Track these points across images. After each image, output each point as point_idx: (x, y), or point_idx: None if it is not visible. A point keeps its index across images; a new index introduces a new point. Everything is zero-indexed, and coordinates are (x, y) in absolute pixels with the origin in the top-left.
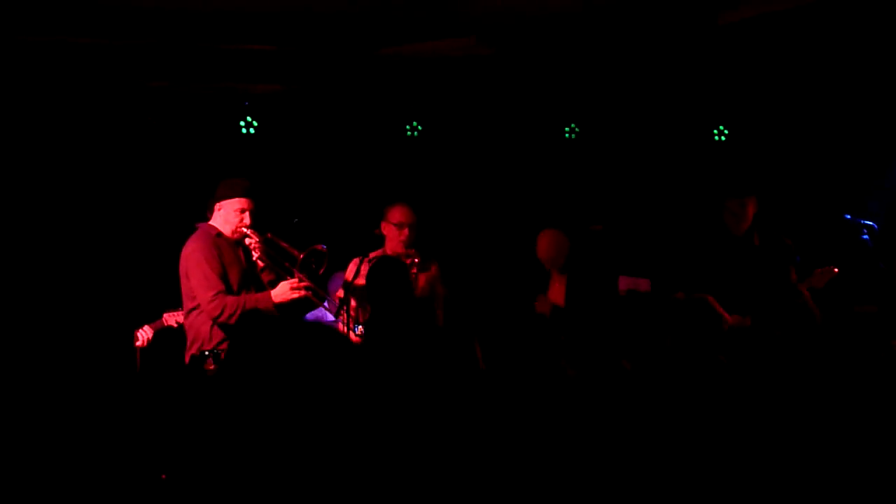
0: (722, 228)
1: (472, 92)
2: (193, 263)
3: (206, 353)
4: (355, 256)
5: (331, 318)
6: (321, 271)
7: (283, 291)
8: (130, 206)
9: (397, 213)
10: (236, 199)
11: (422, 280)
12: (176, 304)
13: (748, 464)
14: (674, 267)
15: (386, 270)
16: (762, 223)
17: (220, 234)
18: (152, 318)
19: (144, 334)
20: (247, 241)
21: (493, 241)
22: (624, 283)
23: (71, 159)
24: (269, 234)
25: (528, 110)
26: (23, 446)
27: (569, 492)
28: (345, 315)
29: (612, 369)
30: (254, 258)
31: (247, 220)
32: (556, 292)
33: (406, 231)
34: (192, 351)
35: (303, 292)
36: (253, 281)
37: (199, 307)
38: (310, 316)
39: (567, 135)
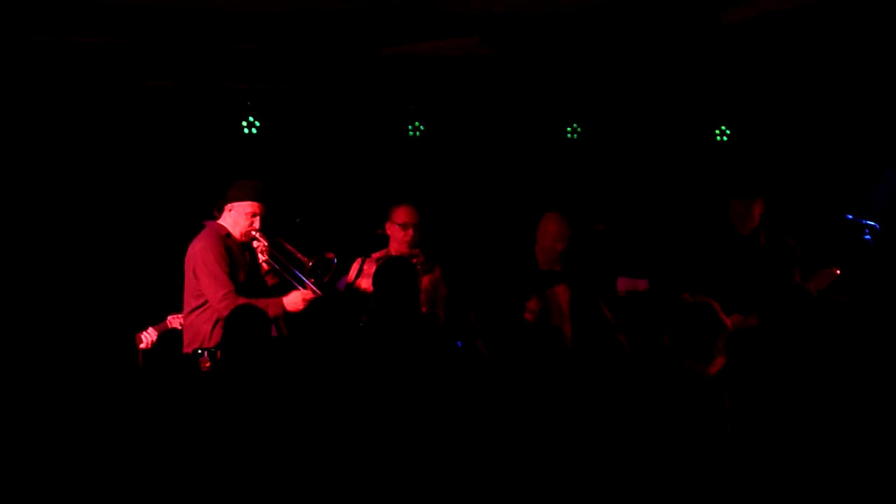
0: (728, 228)
1: (474, 92)
2: (202, 261)
3: (201, 350)
4: (357, 257)
5: None
6: (326, 279)
7: (296, 302)
8: (133, 207)
9: (402, 213)
10: (248, 203)
11: (425, 281)
12: (180, 307)
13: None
14: (679, 266)
15: (394, 271)
16: (768, 223)
17: (228, 235)
18: (156, 320)
19: (149, 336)
20: (255, 243)
21: (495, 241)
22: (623, 283)
23: (72, 159)
24: (277, 238)
25: (530, 110)
26: (24, 447)
27: (567, 490)
28: None
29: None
30: (260, 261)
31: (257, 224)
32: (556, 293)
33: (410, 231)
34: (188, 350)
35: (308, 305)
36: (258, 283)
37: (201, 306)
38: None
39: (569, 135)
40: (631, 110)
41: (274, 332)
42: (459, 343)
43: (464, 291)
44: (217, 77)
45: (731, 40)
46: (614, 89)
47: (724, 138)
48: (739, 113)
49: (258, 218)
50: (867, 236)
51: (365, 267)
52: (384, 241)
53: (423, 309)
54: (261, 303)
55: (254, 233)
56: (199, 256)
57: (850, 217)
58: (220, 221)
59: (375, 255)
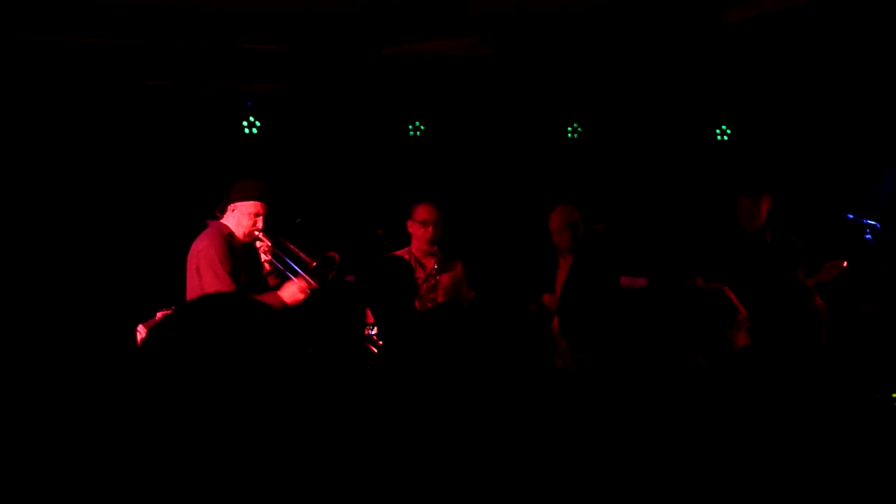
0: (735, 225)
1: (475, 92)
2: (205, 260)
3: None
4: (357, 256)
5: None
6: (330, 277)
7: (292, 293)
8: (133, 207)
9: (422, 211)
10: (251, 203)
11: (446, 279)
12: (170, 304)
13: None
14: (687, 263)
15: (384, 271)
16: (773, 221)
17: (231, 234)
18: (146, 317)
19: (138, 333)
20: (258, 243)
21: (496, 240)
22: (623, 281)
23: (72, 159)
24: (280, 238)
25: (531, 110)
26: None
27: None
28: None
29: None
30: (262, 261)
31: (260, 224)
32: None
33: (430, 229)
34: None
35: (309, 294)
36: (260, 283)
37: None
38: None
39: (569, 135)
40: (631, 110)
41: None
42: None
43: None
44: (217, 77)
45: (731, 40)
46: (614, 89)
47: (725, 138)
48: (740, 113)
49: (261, 218)
50: (868, 236)
51: None
52: (381, 240)
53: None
54: (258, 298)
55: (257, 233)
56: (203, 255)
57: (851, 216)
58: (223, 221)
59: (395, 253)
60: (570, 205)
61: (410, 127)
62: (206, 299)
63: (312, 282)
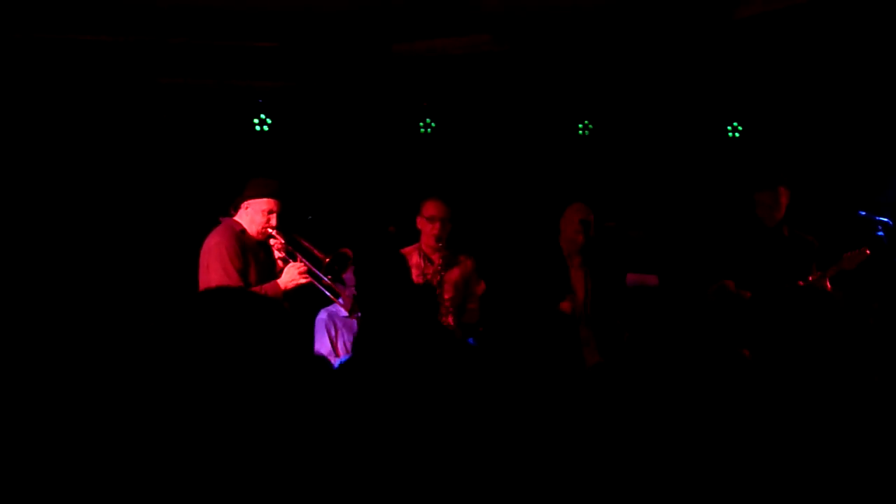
0: (754, 221)
1: (486, 89)
2: (215, 257)
3: None
4: (369, 253)
5: (344, 313)
6: (345, 275)
7: (291, 277)
8: (144, 204)
9: (430, 207)
10: (265, 200)
11: (452, 275)
12: (195, 296)
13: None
14: (707, 260)
15: (376, 265)
16: (789, 217)
17: (243, 232)
18: (155, 312)
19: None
20: (271, 241)
21: (507, 238)
22: (631, 278)
23: (83, 157)
24: (294, 235)
25: (542, 107)
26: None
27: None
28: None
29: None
30: (275, 258)
31: (273, 222)
32: (576, 285)
33: (438, 225)
34: None
35: (310, 277)
36: (272, 280)
37: None
38: (323, 312)
39: (580, 131)
40: (642, 107)
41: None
42: (471, 340)
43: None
44: (228, 75)
45: (743, 36)
46: (626, 86)
47: (737, 135)
48: (752, 109)
49: (274, 215)
50: (880, 232)
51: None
52: (395, 237)
53: (447, 303)
54: (258, 290)
55: (270, 230)
56: (214, 252)
57: (864, 213)
58: (236, 218)
59: (404, 250)
60: (584, 204)
61: (421, 124)
62: (204, 294)
63: (327, 279)
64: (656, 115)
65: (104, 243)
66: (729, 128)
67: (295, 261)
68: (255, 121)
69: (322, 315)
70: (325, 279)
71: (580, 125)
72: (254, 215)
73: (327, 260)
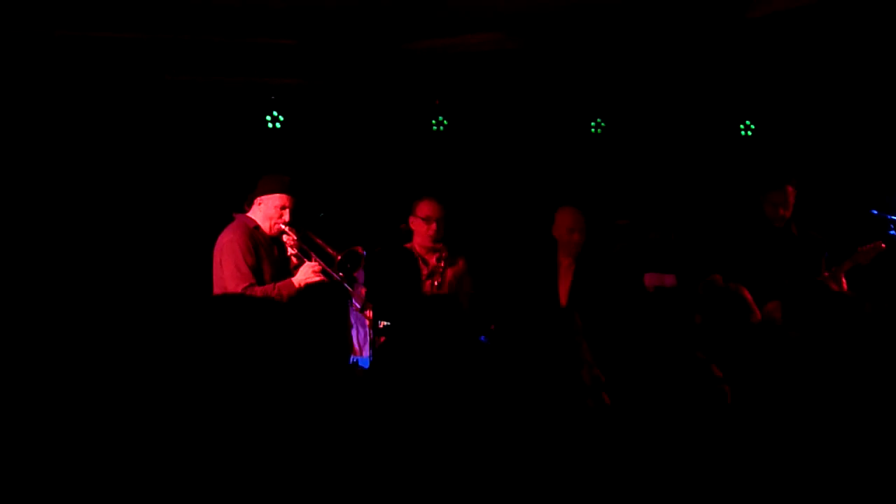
0: (763, 220)
1: (498, 87)
2: (228, 253)
3: None
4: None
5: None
6: (356, 273)
7: (306, 275)
8: (155, 202)
9: (425, 208)
10: (277, 196)
11: (449, 275)
12: (194, 295)
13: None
14: (713, 259)
15: (389, 262)
16: (798, 215)
17: (257, 228)
18: (166, 310)
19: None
20: (284, 237)
21: (519, 235)
22: (650, 279)
23: (95, 154)
24: (307, 232)
25: (554, 105)
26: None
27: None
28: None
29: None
30: (288, 254)
31: (286, 217)
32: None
33: (434, 226)
34: None
35: (323, 277)
36: (285, 277)
37: None
38: None
39: (593, 129)
40: (655, 105)
41: None
42: (483, 338)
43: (488, 285)
44: (241, 72)
45: (756, 35)
46: (638, 84)
47: (749, 133)
48: (764, 108)
49: (287, 211)
50: (892, 231)
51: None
52: (408, 235)
53: None
54: (270, 289)
55: (283, 226)
56: (226, 249)
57: (876, 212)
58: (250, 214)
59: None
60: (575, 207)
61: (433, 122)
62: (212, 300)
63: (338, 276)
64: (669, 113)
65: (116, 241)
66: (742, 126)
67: (307, 257)
68: (268, 118)
69: None
70: (337, 276)
71: (592, 123)
72: (266, 211)
73: (339, 257)
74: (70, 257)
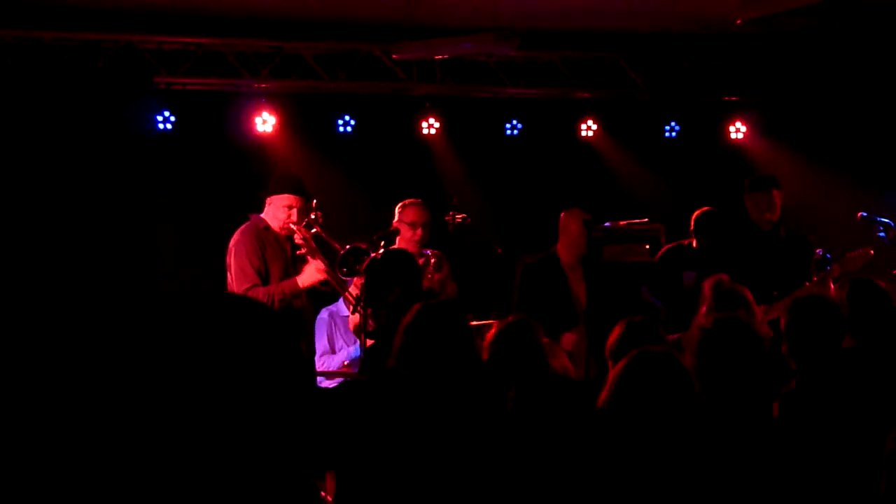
0: (749, 224)
1: (492, 88)
2: (234, 255)
3: None
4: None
5: (346, 312)
6: (361, 268)
7: (310, 275)
8: (148, 205)
9: (411, 212)
10: (284, 196)
11: (435, 279)
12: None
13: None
14: (706, 262)
15: (391, 263)
16: (785, 218)
17: (267, 228)
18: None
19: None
20: (296, 237)
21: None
22: (647, 294)
23: (88, 158)
24: (317, 230)
25: (542, 107)
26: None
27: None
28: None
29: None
30: (298, 253)
31: (294, 217)
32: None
33: (419, 231)
34: None
35: (328, 276)
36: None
37: None
38: (324, 311)
39: (584, 132)
40: (648, 106)
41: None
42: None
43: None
44: (233, 74)
45: (747, 37)
46: (631, 86)
47: (740, 136)
48: (752, 110)
49: (295, 210)
50: (881, 233)
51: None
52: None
53: None
54: (277, 288)
55: (291, 225)
56: (234, 250)
57: (865, 214)
58: (263, 215)
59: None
60: (580, 209)
61: (425, 125)
62: (197, 300)
63: (339, 272)
64: (657, 115)
65: (107, 243)
66: (731, 129)
67: (314, 256)
68: (259, 119)
69: (323, 314)
70: (339, 274)
71: (584, 126)
72: (275, 211)
73: (341, 252)
74: (59, 259)
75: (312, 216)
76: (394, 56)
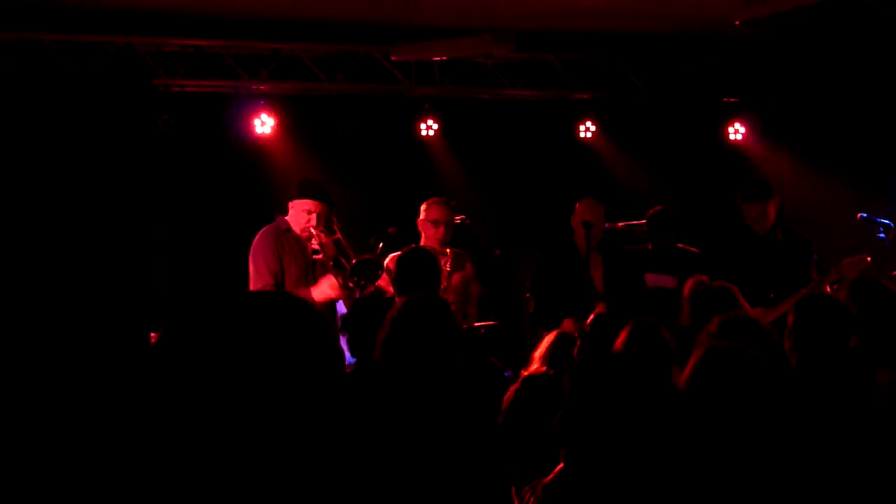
0: (745, 228)
1: (489, 90)
2: (253, 253)
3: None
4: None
5: (344, 310)
6: (363, 282)
7: (323, 291)
8: (145, 206)
9: (434, 211)
10: (306, 201)
11: (456, 279)
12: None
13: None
14: (702, 263)
15: (416, 260)
16: (782, 219)
17: (288, 230)
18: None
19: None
20: (314, 241)
21: (511, 241)
22: (650, 280)
23: (87, 160)
24: (338, 236)
25: (539, 109)
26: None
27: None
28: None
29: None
30: (315, 258)
31: (313, 222)
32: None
33: (442, 229)
34: None
35: (341, 293)
36: (313, 278)
37: None
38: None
39: (581, 133)
40: (646, 108)
41: None
42: (507, 373)
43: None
44: (232, 76)
45: (747, 38)
46: (631, 88)
47: (739, 136)
48: (754, 112)
49: (314, 216)
50: (881, 234)
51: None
52: (397, 239)
53: (453, 307)
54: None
55: (312, 230)
56: (253, 251)
57: (865, 215)
58: (287, 217)
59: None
60: (593, 198)
61: (423, 126)
62: (215, 301)
63: (350, 281)
64: (657, 117)
65: (102, 246)
66: (731, 130)
67: (328, 263)
68: (258, 121)
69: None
70: (350, 284)
71: (581, 127)
72: (296, 214)
73: (354, 261)
74: (61, 260)
75: (335, 225)
76: (392, 58)
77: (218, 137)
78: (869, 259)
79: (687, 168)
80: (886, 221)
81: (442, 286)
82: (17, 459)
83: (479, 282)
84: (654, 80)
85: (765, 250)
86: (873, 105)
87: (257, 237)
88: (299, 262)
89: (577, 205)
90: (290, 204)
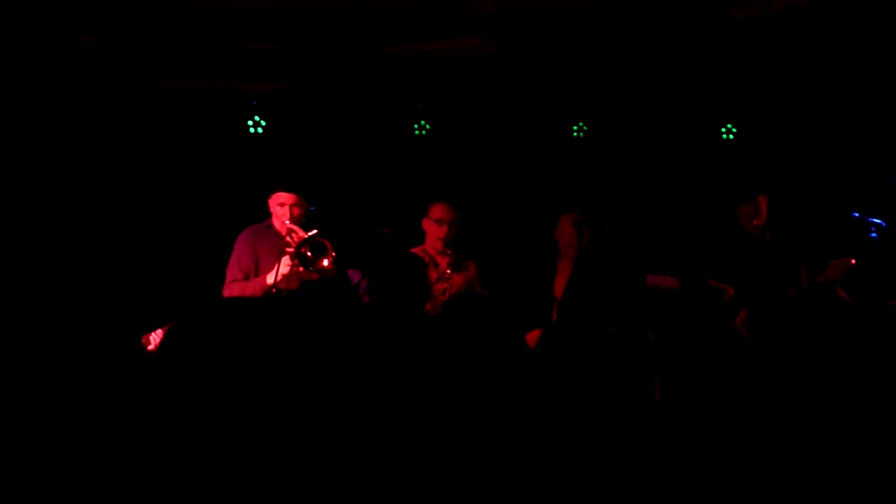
0: (737, 228)
1: (481, 91)
2: (233, 251)
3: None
4: (362, 255)
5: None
6: (320, 264)
7: (274, 271)
8: (139, 207)
9: (438, 210)
10: (277, 194)
11: (459, 279)
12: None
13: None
14: (691, 264)
15: (398, 268)
16: (773, 219)
17: (270, 226)
18: (164, 321)
19: (156, 338)
20: (290, 235)
21: (503, 241)
22: (651, 280)
23: (78, 159)
24: (315, 231)
25: (536, 109)
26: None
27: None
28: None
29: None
30: (286, 250)
31: (287, 214)
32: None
33: (445, 228)
34: None
35: (290, 268)
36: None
37: None
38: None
39: (575, 133)
40: (637, 108)
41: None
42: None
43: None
44: (223, 76)
45: (738, 38)
46: (621, 87)
47: (731, 136)
48: (746, 111)
49: (287, 208)
50: (873, 234)
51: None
52: (390, 239)
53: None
54: (248, 283)
55: (287, 222)
56: (234, 245)
57: (857, 215)
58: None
59: (412, 250)
60: (576, 213)
61: (416, 126)
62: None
63: (293, 262)
64: (651, 116)
65: (98, 247)
66: (723, 129)
67: (302, 259)
68: (250, 123)
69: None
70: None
71: (574, 127)
72: (273, 209)
73: (305, 237)
74: (50, 262)
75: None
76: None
77: (213, 136)
78: (854, 261)
79: (683, 167)
80: (878, 221)
81: (441, 286)
82: (17, 459)
83: (481, 283)
84: (645, 77)
85: (755, 252)
86: (868, 104)
87: (239, 235)
88: (276, 257)
89: (561, 220)
90: (269, 200)
